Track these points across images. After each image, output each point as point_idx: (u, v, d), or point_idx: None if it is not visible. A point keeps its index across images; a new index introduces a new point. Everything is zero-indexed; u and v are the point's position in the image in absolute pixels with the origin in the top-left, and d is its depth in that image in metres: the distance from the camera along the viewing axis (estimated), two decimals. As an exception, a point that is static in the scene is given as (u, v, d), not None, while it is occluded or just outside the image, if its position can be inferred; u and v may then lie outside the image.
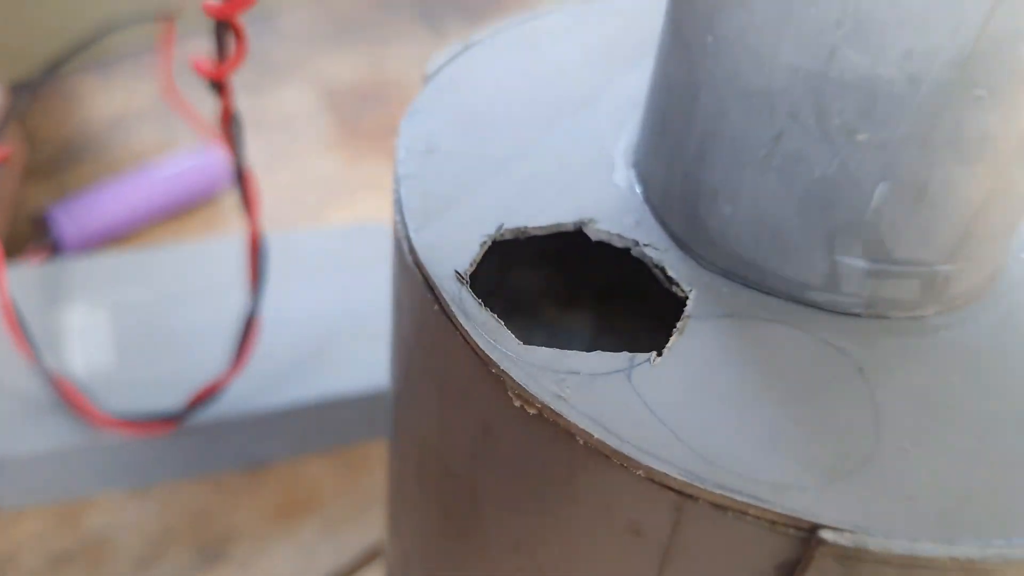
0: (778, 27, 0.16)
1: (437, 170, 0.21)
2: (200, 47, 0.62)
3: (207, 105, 0.59)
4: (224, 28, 0.26)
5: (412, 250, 0.19)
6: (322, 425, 0.42)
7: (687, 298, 0.19)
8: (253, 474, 0.43)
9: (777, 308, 0.19)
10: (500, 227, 0.20)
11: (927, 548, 0.15)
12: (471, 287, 0.18)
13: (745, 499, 0.15)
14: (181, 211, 0.55)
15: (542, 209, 0.21)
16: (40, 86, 0.60)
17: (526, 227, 0.20)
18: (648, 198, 0.21)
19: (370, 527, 0.42)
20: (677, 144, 0.19)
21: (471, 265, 0.19)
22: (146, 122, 0.62)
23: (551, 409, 0.16)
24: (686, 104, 0.19)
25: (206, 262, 0.45)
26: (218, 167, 0.55)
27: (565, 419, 0.16)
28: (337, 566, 0.41)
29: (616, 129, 0.23)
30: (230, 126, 0.32)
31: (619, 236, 0.20)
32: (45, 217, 0.50)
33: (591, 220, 0.20)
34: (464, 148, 0.22)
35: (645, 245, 0.20)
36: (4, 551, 0.39)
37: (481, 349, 0.17)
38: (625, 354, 0.18)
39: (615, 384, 0.17)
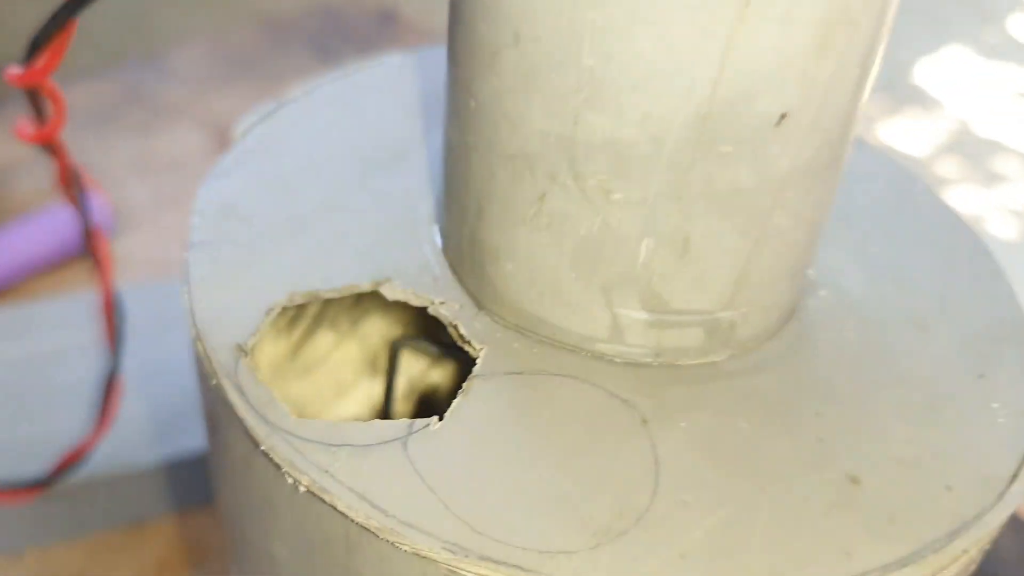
0: (526, 92, 0.16)
1: (232, 235, 0.21)
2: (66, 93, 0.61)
3: (90, 152, 0.58)
4: (36, 94, 0.26)
5: (194, 323, 0.19)
6: (199, 479, 0.41)
7: (476, 359, 0.19)
8: (132, 533, 0.42)
9: (567, 362, 0.19)
10: (291, 293, 0.20)
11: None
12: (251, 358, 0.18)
13: (509, 570, 0.15)
14: (63, 262, 0.54)
15: (342, 270, 0.20)
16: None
17: (317, 291, 0.20)
18: (447, 255, 0.21)
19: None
20: (460, 204, 0.19)
21: (254, 335, 0.19)
22: (26, 171, 0.61)
23: (318, 485, 0.16)
24: (462, 166, 0.19)
25: (72, 318, 0.44)
26: (101, 215, 0.54)
27: (331, 495, 0.16)
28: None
29: (427, 185, 0.23)
30: (71, 186, 0.32)
31: (415, 294, 0.20)
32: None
33: (386, 280, 0.20)
34: (264, 210, 0.22)
35: (441, 303, 0.20)
36: None
37: (249, 425, 0.17)
38: (404, 422, 0.17)
39: (389, 455, 0.17)
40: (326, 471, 0.16)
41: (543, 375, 0.19)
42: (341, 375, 0.26)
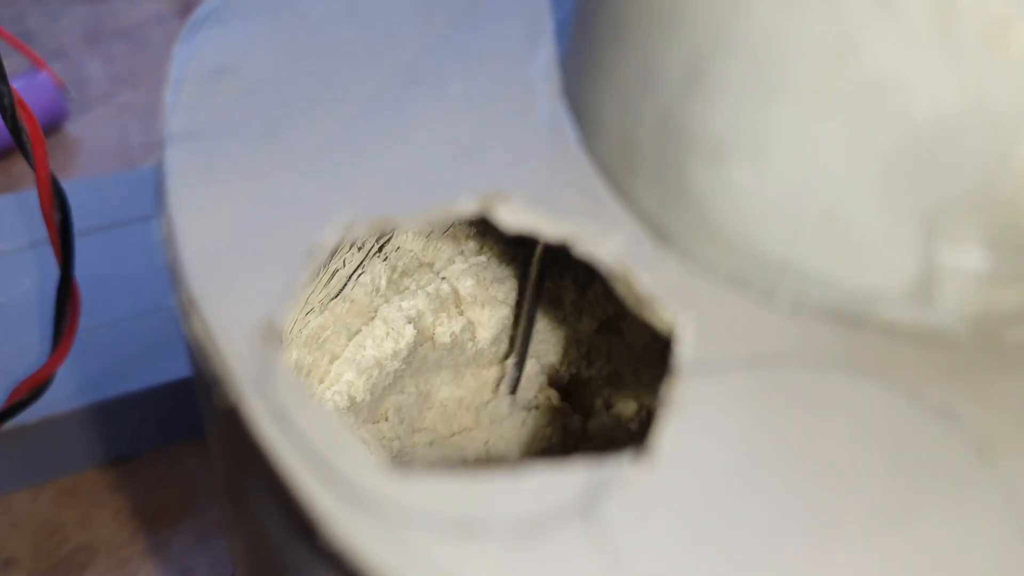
0: None
1: (235, 119, 0.12)
2: None
3: (31, 20, 0.48)
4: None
5: (183, 284, 0.11)
6: (186, 410, 0.34)
7: (672, 335, 0.11)
8: (108, 475, 0.35)
9: (830, 341, 0.11)
10: (347, 222, 0.11)
11: None
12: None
13: None
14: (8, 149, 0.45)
15: (422, 177, 0.12)
16: None
17: (392, 216, 0.12)
18: (595, 149, 0.12)
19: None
20: (638, 61, 0.11)
21: (290, 300, 0.10)
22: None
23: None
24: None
25: (9, 220, 0.36)
26: (51, 93, 0.44)
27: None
28: (217, 584, 0.33)
29: (529, 35, 0.14)
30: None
31: (550, 219, 0.12)
32: None
33: (500, 195, 0.12)
34: (282, 76, 0.13)
35: (597, 234, 0.12)
36: None
37: (301, 494, 0.09)
38: (579, 474, 0.09)
39: (566, 541, 0.09)
40: (458, 587, 0.08)
41: (800, 368, 0.11)
42: (357, 303, 0.18)
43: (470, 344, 0.21)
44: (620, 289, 0.11)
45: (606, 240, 0.12)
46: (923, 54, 0.09)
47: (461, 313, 0.21)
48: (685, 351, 0.11)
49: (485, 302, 0.20)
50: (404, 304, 0.19)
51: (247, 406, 0.09)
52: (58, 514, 0.34)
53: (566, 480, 0.09)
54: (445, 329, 0.20)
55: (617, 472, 0.09)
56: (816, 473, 0.10)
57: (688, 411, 0.10)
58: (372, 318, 0.19)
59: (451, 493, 0.09)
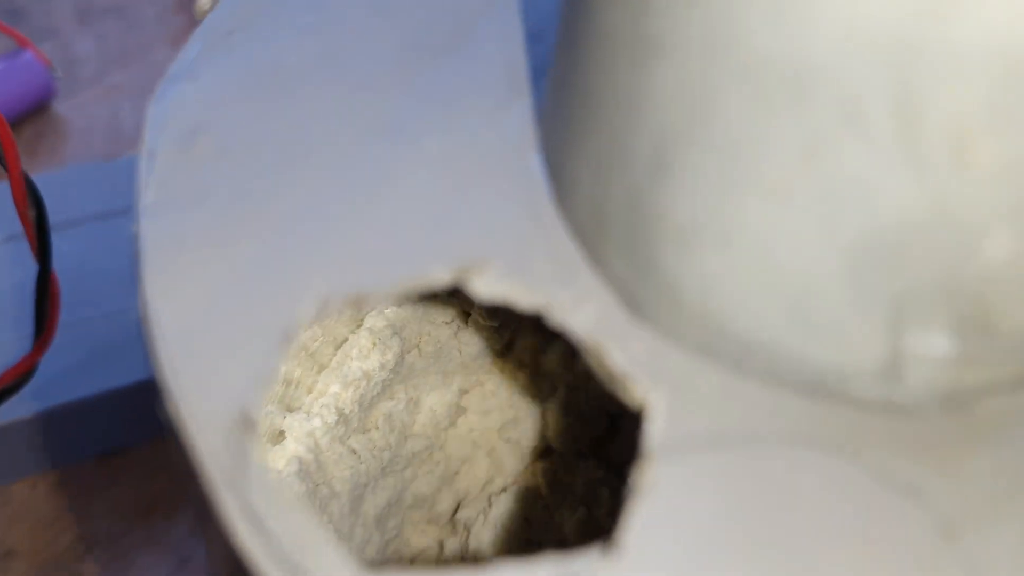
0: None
1: (208, 186, 0.12)
2: None
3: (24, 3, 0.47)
4: None
5: (159, 365, 0.11)
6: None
7: (643, 413, 0.11)
8: (105, 465, 0.35)
9: (799, 416, 0.11)
10: (323, 298, 0.11)
11: None
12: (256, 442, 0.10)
13: None
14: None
15: (397, 245, 0.12)
16: None
17: (365, 293, 0.12)
18: (569, 211, 0.13)
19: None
20: (608, 140, 0.11)
21: (264, 386, 0.10)
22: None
23: None
24: (623, 76, 0.10)
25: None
26: (37, 73, 0.44)
27: None
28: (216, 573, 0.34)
29: (506, 81, 0.14)
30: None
31: (524, 289, 0.12)
32: None
33: (474, 264, 0.12)
34: (256, 136, 0.13)
35: (571, 305, 0.12)
36: None
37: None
38: (550, 568, 0.10)
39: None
40: None
41: (770, 446, 0.11)
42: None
43: (456, 353, 0.21)
44: (591, 363, 0.12)
45: (578, 311, 0.12)
46: (887, 163, 0.09)
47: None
48: (656, 432, 0.11)
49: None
50: (388, 313, 0.19)
51: (219, 502, 0.10)
52: (56, 506, 0.34)
53: (537, 576, 0.10)
54: (430, 339, 0.20)
55: (586, 567, 0.10)
56: (783, 562, 0.10)
57: (655, 497, 0.10)
58: (359, 326, 0.20)
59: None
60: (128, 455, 0.35)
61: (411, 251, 0.12)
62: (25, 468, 0.34)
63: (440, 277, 0.12)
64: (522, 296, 0.12)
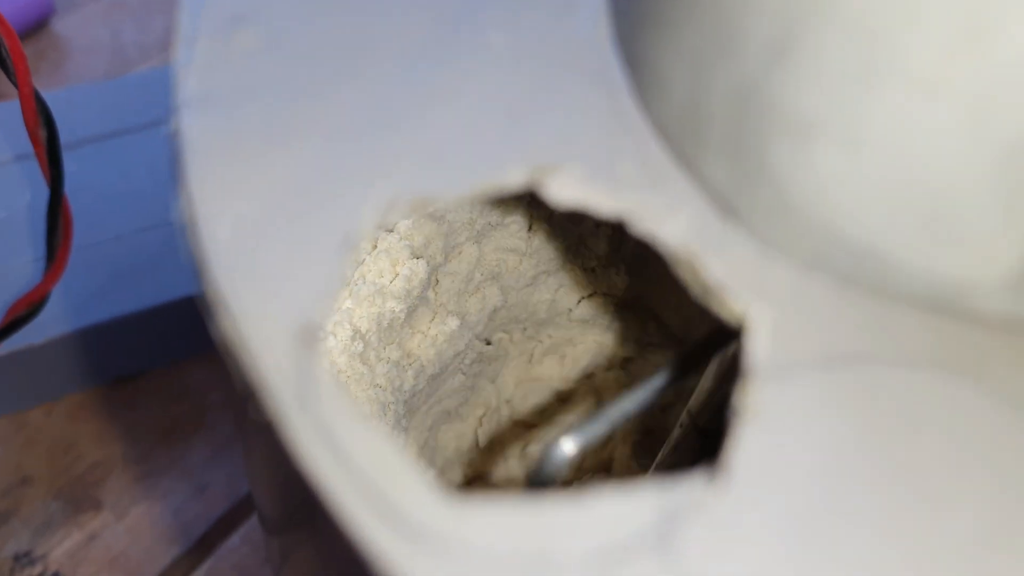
0: None
1: (257, 81, 0.11)
2: None
3: None
4: None
5: (205, 276, 0.10)
6: (191, 325, 0.33)
7: (743, 329, 0.10)
8: (116, 392, 0.34)
9: (917, 333, 0.10)
10: (388, 201, 0.10)
11: None
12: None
13: None
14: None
15: (464, 149, 0.11)
16: None
17: (432, 197, 0.10)
18: (655, 111, 0.11)
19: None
20: (726, 21, 0.10)
21: (329, 297, 0.09)
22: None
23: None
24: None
25: (5, 128, 0.34)
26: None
27: None
28: (235, 499, 0.33)
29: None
30: None
31: (606, 192, 0.11)
32: None
33: (550, 166, 0.11)
34: (308, 27, 0.12)
35: (658, 210, 0.11)
36: None
37: (353, 531, 0.08)
38: (651, 500, 0.09)
39: (644, 570, 0.08)
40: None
41: (888, 367, 0.10)
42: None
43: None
44: (683, 275, 0.10)
45: (669, 218, 0.11)
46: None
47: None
48: (760, 350, 0.10)
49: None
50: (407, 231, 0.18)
51: (288, 424, 0.09)
52: (72, 431, 0.34)
53: (638, 507, 0.09)
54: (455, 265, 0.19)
55: (690, 496, 0.09)
56: (910, 492, 0.09)
57: (765, 422, 0.09)
58: (374, 248, 0.18)
59: (516, 527, 0.08)
60: (144, 379, 0.34)
61: (481, 149, 0.11)
62: (40, 394, 0.33)
63: (514, 179, 0.11)
64: (603, 201, 0.11)
